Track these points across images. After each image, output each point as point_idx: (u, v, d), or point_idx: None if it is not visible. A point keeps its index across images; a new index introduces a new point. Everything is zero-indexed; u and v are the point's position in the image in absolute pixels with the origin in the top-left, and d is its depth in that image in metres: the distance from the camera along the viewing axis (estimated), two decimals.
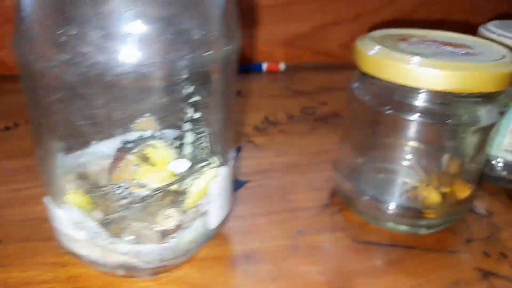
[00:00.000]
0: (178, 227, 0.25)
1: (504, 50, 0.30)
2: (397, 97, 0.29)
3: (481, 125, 0.29)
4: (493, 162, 0.37)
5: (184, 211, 0.24)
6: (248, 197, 0.35)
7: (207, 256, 0.29)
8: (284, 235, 0.31)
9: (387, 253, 0.30)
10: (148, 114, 0.26)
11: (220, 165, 0.26)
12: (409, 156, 0.34)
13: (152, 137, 0.28)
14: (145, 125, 0.28)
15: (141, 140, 0.27)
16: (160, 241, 0.24)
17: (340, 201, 0.35)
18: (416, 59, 0.27)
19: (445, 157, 0.32)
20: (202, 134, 0.26)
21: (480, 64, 0.26)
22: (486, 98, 0.28)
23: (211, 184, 0.25)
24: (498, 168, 0.37)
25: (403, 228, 0.32)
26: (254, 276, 0.27)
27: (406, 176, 0.34)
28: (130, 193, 0.25)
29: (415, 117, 0.28)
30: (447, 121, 0.28)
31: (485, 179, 0.38)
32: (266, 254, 0.29)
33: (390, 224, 0.32)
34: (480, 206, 0.35)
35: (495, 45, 0.31)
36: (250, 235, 0.31)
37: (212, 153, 0.26)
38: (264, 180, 0.37)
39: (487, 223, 0.34)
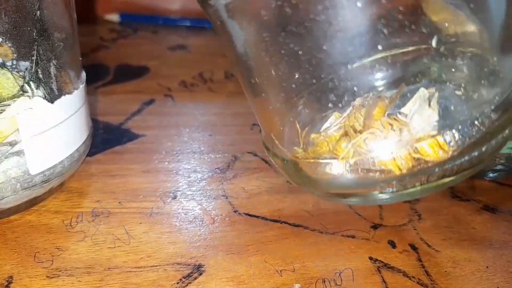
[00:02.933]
0: None
1: None
2: None
3: None
4: None
5: None
6: (133, 153, 0.30)
7: (49, 209, 0.24)
8: (152, 198, 0.26)
9: (266, 229, 0.25)
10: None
11: (45, 98, 0.21)
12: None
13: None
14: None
15: None
16: None
17: (239, 167, 0.30)
18: None
19: None
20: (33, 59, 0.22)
21: None
22: None
23: (25, 119, 0.20)
24: None
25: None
26: (90, 239, 0.23)
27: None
28: None
29: None
30: None
31: None
32: (118, 217, 0.24)
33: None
34: None
35: None
36: (111, 194, 0.26)
37: (37, 81, 0.21)
38: (163, 138, 0.32)
39: (409, 208, 0.28)
